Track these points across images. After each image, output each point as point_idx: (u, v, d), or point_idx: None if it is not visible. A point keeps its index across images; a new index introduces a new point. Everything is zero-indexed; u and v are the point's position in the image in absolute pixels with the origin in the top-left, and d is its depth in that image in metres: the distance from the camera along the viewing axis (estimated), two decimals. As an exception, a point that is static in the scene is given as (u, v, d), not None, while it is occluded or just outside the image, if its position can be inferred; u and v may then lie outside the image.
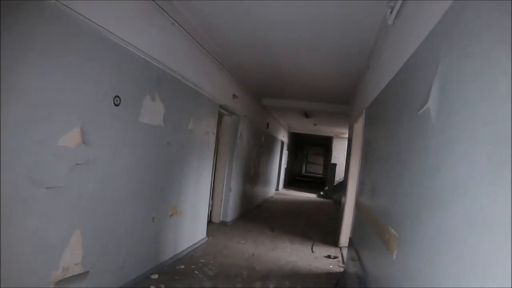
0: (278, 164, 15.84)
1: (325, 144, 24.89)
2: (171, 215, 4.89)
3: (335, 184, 15.59)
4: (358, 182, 4.98)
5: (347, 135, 16.37)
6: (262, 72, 6.86)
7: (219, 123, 7.96)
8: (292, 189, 18.08)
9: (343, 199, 7.09)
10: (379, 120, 3.63)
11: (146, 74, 3.90)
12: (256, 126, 9.52)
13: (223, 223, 7.85)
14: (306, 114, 11.60)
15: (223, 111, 7.10)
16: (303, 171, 35.51)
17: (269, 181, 13.11)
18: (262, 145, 10.48)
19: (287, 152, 18.06)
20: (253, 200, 10.35)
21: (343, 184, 15.36)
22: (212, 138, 6.24)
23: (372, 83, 4.48)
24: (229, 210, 7.89)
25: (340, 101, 8.85)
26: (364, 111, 4.97)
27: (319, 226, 8.76)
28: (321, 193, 16.25)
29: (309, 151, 36.28)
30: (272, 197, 13.78)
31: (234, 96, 7.12)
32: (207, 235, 6.48)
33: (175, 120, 4.67)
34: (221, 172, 7.94)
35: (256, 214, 9.52)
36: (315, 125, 14.53)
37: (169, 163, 4.68)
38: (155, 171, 4.36)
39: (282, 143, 16.16)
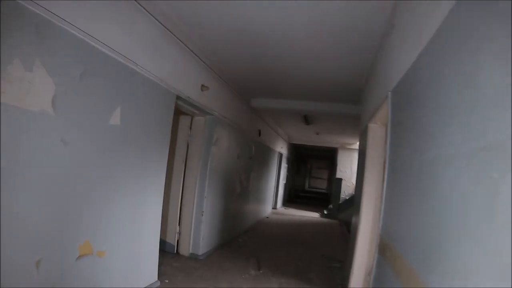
0: (276, 179, 13.95)
1: (329, 157, 23.02)
2: (80, 256, 3.02)
3: (340, 202, 13.63)
4: (382, 210, 3.04)
5: (354, 146, 14.54)
6: (245, 62, 5.21)
7: (187, 126, 6.14)
8: (293, 207, 16.10)
9: (354, 220, 5.24)
10: (424, 103, 1.93)
11: (12, 20, 2.13)
12: (242, 132, 7.68)
13: (193, 257, 5.95)
14: (306, 120, 9.73)
15: (188, 107, 5.26)
16: (306, 186, 34.06)
17: (263, 199, 11.18)
18: (251, 157, 8.60)
19: (286, 165, 16.15)
20: (241, 223, 8.43)
21: (350, 202, 13.51)
22: (165, 141, 4.38)
23: (404, 45, 2.67)
24: (201, 240, 5.98)
25: (348, 99, 7.02)
26: (389, 95, 3.13)
27: (321, 260, 6.80)
28: (325, 212, 14.27)
29: (313, 165, 35.13)
30: (267, 217, 11.84)
31: (203, 87, 5.28)
32: (161, 277, 4.59)
33: (80, 107, 2.84)
34: (190, 190, 6.06)
35: (242, 242, 7.58)
36: (317, 134, 12.66)
37: (71, 174, 2.83)
38: (39, 188, 2.52)
39: (281, 155, 14.29)
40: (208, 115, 5.97)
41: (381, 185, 4.31)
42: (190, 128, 6.14)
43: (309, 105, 7.68)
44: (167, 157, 4.43)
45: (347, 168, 14.96)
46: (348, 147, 14.91)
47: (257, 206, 10.23)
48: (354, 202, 5.51)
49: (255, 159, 9.06)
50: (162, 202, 4.45)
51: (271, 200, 12.94)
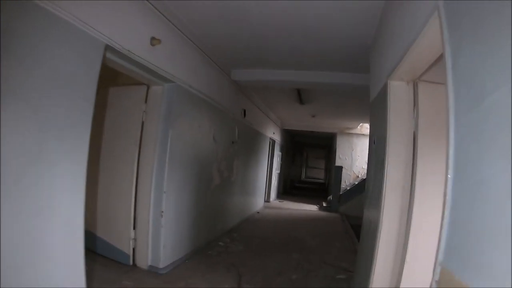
0: (268, 168, 12.50)
1: (326, 146, 21.63)
2: None
3: (341, 192, 12.20)
4: (447, 215, 1.52)
5: (355, 130, 13.15)
6: (221, 18, 3.91)
7: (142, 98, 4.68)
8: (288, 199, 14.67)
9: (366, 216, 3.88)
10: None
11: None
12: (220, 110, 6.19)
13: (152, 271, 4.51)
14: (300, 97, 8.26)
15: (131, 67, 3.78)
16: (303, 176, 32.95)
17: (253, 191, 9.72)
18: (234, 141, 7.11)
19: (280, 153, 14.68)
20: (223, 221, 6.98)
21: (353, 193, 12.11)
22: (85, 112, 2.88)
23: None
24: (161, 248, 4.53)
25: (351, 66, 5.63)
26: (440, 8, 1.65)
27: (323, 269, 5.36)
28: (324, 204, 12.85)
29: (309, 154, 34.05)
30: (258, 212, 10.40)
31: (154, 40, 3.78)
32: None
33: None
34: (146, 184, 4.59)
35: (223, 247, 6.13)
36: (313, 116, 11.18)
37: None
38: None
39: (273, 142, 12.83)
40: (168, 83, 4.49)
41: (409, 170, 2.89)
42: (146, 102, 4.67)
43: (303, 76, 6.22)
44: (89, 135, 2.92)
45: (347, 155, 13.55)
46: (348, 131, 13.49)
47: (245, 199, 8.78)
48: (367, 193, 4.06)
49: (240, 145, 7.59)
50: (83, 202, 2.93)
51: (263, 193, 11.49)
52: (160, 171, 4.45)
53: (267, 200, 12.95)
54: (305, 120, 12.73)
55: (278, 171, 14.68)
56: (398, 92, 2.98)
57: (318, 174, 35.07)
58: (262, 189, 11.16)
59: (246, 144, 8.26)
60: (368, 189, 3.91)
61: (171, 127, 4.46)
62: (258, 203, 10.63)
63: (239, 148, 7.56)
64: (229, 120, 6.76)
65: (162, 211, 4.44)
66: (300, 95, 8.01)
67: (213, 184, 6.11)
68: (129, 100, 4.85)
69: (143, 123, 4.66)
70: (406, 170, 2.87)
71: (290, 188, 20.38)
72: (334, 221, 10.16)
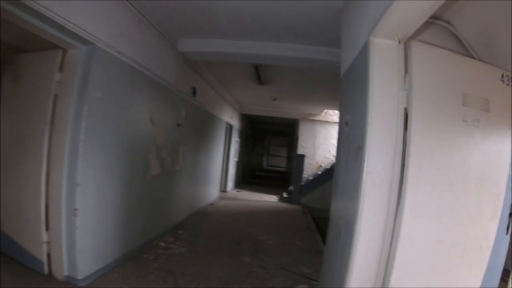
0: (225, 156, 11.67)
1: (289, 133, 21.03)
2: None
3: (303, 182, 11.55)
4: None
5: (319, 117, 12.53)
6: None
7: (55, 66, 3.72)
8: (247, 189, 13.95)
9: (335, 212, 3.22)
10: None
11: None
12: (161, 85, 5.25)
13: (70, 282, 3.62)
14: (259, 77, 7.43)
15: (30, 18, 2.82)
16: (264, 164, 32.48)
17: (206, 181, 8.85)
18: (180, 124, 6.18)
19: (238, 140, 13.85)
20: (166, 217, 6.10)
21: (316, 183, 11.46)
22: None
23: None
24: (77, 254, 3.62)
25: (320, 39, 4.87)
26: None
27: (282, 278, 4.61)
28: (285, 195, 12.16)
29: (271, 142, 33.57)
30: (212, 204, 9.56)
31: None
32: None
33: None
34: (56, 174, 3.64)
35: (161, 250, 5.26)
36: (274, 100, 10.40)
37: None
38: None
39: (230, 127, 12.00)
40: (86, 45, 3.53)
41: (399, 161, 2.14)
42: (61, 70, 3.69)
43: (263, 48, 5.39)
44: None
45: (309, 144, 12.90)
46: (312, 118, 12.83)
47: (195, 190, 7.90)
48: (335, 188, 3.29)
49: (188, 128, 6.68)
50: None
51: (218, 182, 10.63)
52: (72, 158, 3.50)
53: (223, 190, 12.17)
54: (266, 104, 11.94)
55: (236, 159, 13.85)
56: (383, 54, 2.23)
57: (280, 163, 34.49)
58: (217, 178, 10.30)
59: (196, 127, 7.36)
60: (337, 184, 3.14)
61: (88, 102, 3.50)
62: (212, 194, 9.78)
63: (187, 132, 6.65)
64: (174, 99, 5.83)
65: (76, 209, 3.51)
66: (259, 74, 7.17)
67: (151, 174, 5.19)
68: (39, 68, 3.86)
69: (56, 96, 3.68)
70: (395, 161, 2.12)
71: (250, 177, 19.70)
72: (295, 214, 9.49)
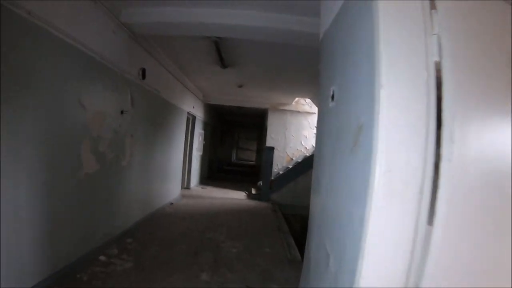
0: (187, 149, 10.69)
1: (258, 125, 20.18)
2: None
3: (273, 177, 10.71)
4: None
5: (289, 106, 11.73)
6: None
7: None
8: (214, 185, 13.00)
9: (315, 237, 2.34)
10: None
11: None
12: (97, 62, 4.24)
13: None
14: (222, 58, 6.50)
15: None
16: (233, 158, 31.83)
17: (163, 178, 7.87)
18: (124, 111, 5.16)
19: (203, 132, 12.85)
20: (110, 224, 5.10)
21: (287, 178, 10.65)
22: None
23: None
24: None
25: (293, 6, 4.00)
26: None
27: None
28: (253, 191, 11.30)
29: (240, 135, 33.00)
30: (171, 204, 8.58)
31: None
32: None
33: None
34: None
35: (100, 267, 4.30)
36: (240, 87, 9.48)
37: None
38: None
39: (193, 118, 11.01)
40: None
41: (431, 151, 1.19)
42: None
43: (224, 17, 4.47)
44: None
45: (280, 135, 12.11)
46: (282, 107, 12.01)
47: (150, 189, 6.92)
48: (315, 191, 2.42)
49: (136, 116, 5.68)
50: None
51: (179, 178, 9.64)
52: None
53: (186, 186, 11.20)
54: (231, 93, 11.00)
55: (201, 153, 12.87)
56: None
57: (250, 156, 34.29)
58: (177, 174, 9.32)
59: (148, 116, 6.36)
60: (319, 184, 2.28)
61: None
62: (172, 191, 8.80)
63: (135, 121, 5.65)
64: (116, 80, 4.82)
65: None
66: (221, 55, 6.23)
67: (84, 172, 4.17)
68: None
69: None
70: (427, 149, 1.24)
71: (218, 171, 18.77)
72: (264, 212, 8.65)
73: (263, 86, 9.49)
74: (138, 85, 5.63)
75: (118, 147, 5.08)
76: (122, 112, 5.04)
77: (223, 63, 6.76)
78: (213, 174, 16.93)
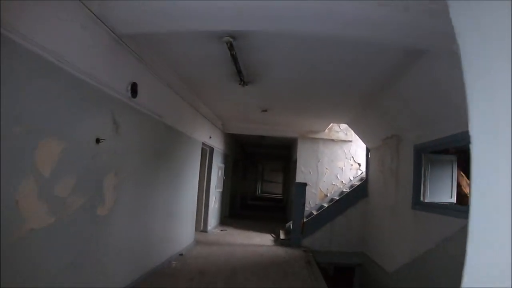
0: (204, 186, 9.29)
1: (284, 156, 18.66)
2: None
3: (306, 218, 9.06)
4: None
5: (323, 134, 10.24)
6: None
7: None
8: (235, 226, 11.39)
9: None
10: None
11: None
12: (56, 67, 2.88)
13: None
14: (240, 72, 5.08)
15: None
16: (258, 191, 30.47)
17: (170, 222, 6.40)
18: (100, 139, 3.71)
19: (223, 166, 11.39)
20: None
21: (324, 218, 8.90)
22: None
23: None
24: None
25: None
26: None
27: None
28: (282, 235, 9.61)
29: (265, 167, 32.51)
30: (181, 254, 7.03)
31: None
32: None
33: None
34: None
35: None
36: (264, 111, 8.00)
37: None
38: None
39: (210, 149, 9.61)
40: None
41: None
42: None
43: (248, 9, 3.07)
44: None
45: (311, 168, 10.51)
46: (313, 136, 10.48)
47: (148, 239, 5.42)
48: None
49: (123, 147, 4.25)
50: None
51: (192, 221, 8.13)
52: None
53: (203, 229, 9.68)
54: (254, 119, 9.58)
55: (220, 190, 11.36)
56: None
57: (276, 189, 33.15)
58: (190, 216, 7.82)
59: (144, 147, 4.94)
60: None
61: None
62: (182, 238, 7.27)
63: (122, 154, 4.22)
64: (88, 96, 3.43)
65: None
66: (238, 64, 4.80)
67: (26, 228, 2.72)
68: None
69: None
70: None
71: (240, 207, 17.25)
72: (296, 266, 6.95)
73: (290, 110, 8.05)
74: (127, 104, 4.23)
75: (92, 189, 3.63)
76: (98, 140, 3.61)
77: (241, 77, 5.34)
78: (236, 212, 15.36)
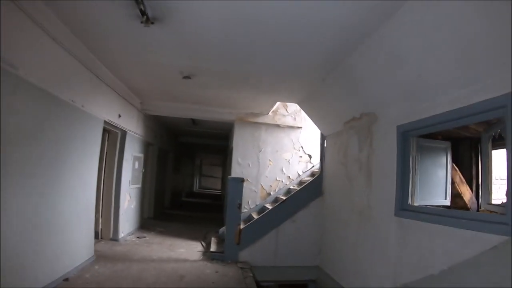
0: (112, 180, 7.31)
1: (223, 149, 16.85)
2: None
3: (245, 223, 7.13)
4: None
5: (267, 117, 8.45)
6: None
7: None
8: (159, 231, 9.27)
9: None
10: None
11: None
12: None
13: None
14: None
15: None
16: (196, 187, 29.42)
17: (42, 236, 4.31)
18: None
19: (141, 155, 9.13)
20: None
21: (267, 223, 6.44)
22: None
23: None
24: None
25: None
26: None
27: None
28: (214, 245, 7.57)
29: (204, 161, 31.71)
30: (66, 280, 4.90)
31: None
32: None
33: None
34: None
35: None
36: (187, 78, 5.85)
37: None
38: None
39: (122, 134, 7.55)
40: None
41: None
42: None
43: None
44: None
45: (251, 159, 8.59)
46: (253, 119, 8.59)
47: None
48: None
49: None
50: None
51: (89, 229, 5.95)
52: None
53: (113, 237, 7.50)
54: (179, 95, 7.47)
55: (138, 186, 9.12)
56: None
57: (216, 185, 32.00)
58: (84, 223, 5.69)
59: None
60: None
61: None
62: (69, 255, 5.16)
63: None
64: None
65: None
66: None
67: None
68: None
69: None
70: None
71: (172, 206, 15.17)
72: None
73: (223, 80, 6.07)
74: None
75: None
76: None
77: (142, 7, 3.27)
78: (164, 211, 13.19)
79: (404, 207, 3.96)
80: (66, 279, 4.98)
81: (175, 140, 15.31)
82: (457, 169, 5.05)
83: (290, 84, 5.99)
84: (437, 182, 4.45)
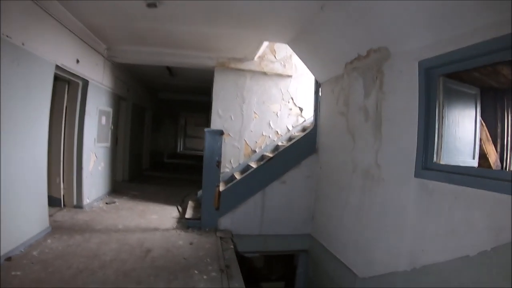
0: (73, 137, 6.42)
1: (207, 106, 15.79)
2: None
3: (226, 184, 6.26)
4: None
5: (252, 64, 7.45)
6: None
7: None
8: (132, 195, 8.41)
9: None
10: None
11: None
12: None
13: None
14: None
15: None
16: (180, 148, 28.63)
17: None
18: None
19: (109, 110, 8.05)
20: None
21: (246, 187, 5.47)
22: None
23: None
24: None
25: None
26: None
27: None
28: (189, 213, 6.68)
29: (189, 121, 30.81)
30: (8, 259, 4.02)
31: None
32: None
33: None
34: None
35: None
36: (151, 5, 4.72)
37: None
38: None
39: (84, 84, 6.50)
40: None
41: None
42: None
43: None
44: None
45: (233, 111, 7.62)
46: (236, 65, 7.62)
47: None
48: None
49: None
50: None
51: (41, 195, 5.06)
52: None
53: (77, 204, 6.67)
54: (143, 28, 6.25)
55: (107, 144, 8.09)
56: None
57: (200, 145, 30.18)
58: (33, 189, 4.78)
59: None
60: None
61: None
62: (15, 229, 4.29)
63: None
64: None
65: None
66: None
67: None
68: None
69: None
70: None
71: (152, 168, 14.45)
72: (205, 276, 4.16)
73: (197, 12, 4.97)
74: None
75: None
76: None
77: None
78: (142, 173, 12.30)
79: (428, 166, 3.09)
80: (9, 259, 4.09)
81: (154, 96, 14.21)
82: (484, 124, 4.18)
83: (279, 14, 4.87)
84: (464, 137, 3.57)
